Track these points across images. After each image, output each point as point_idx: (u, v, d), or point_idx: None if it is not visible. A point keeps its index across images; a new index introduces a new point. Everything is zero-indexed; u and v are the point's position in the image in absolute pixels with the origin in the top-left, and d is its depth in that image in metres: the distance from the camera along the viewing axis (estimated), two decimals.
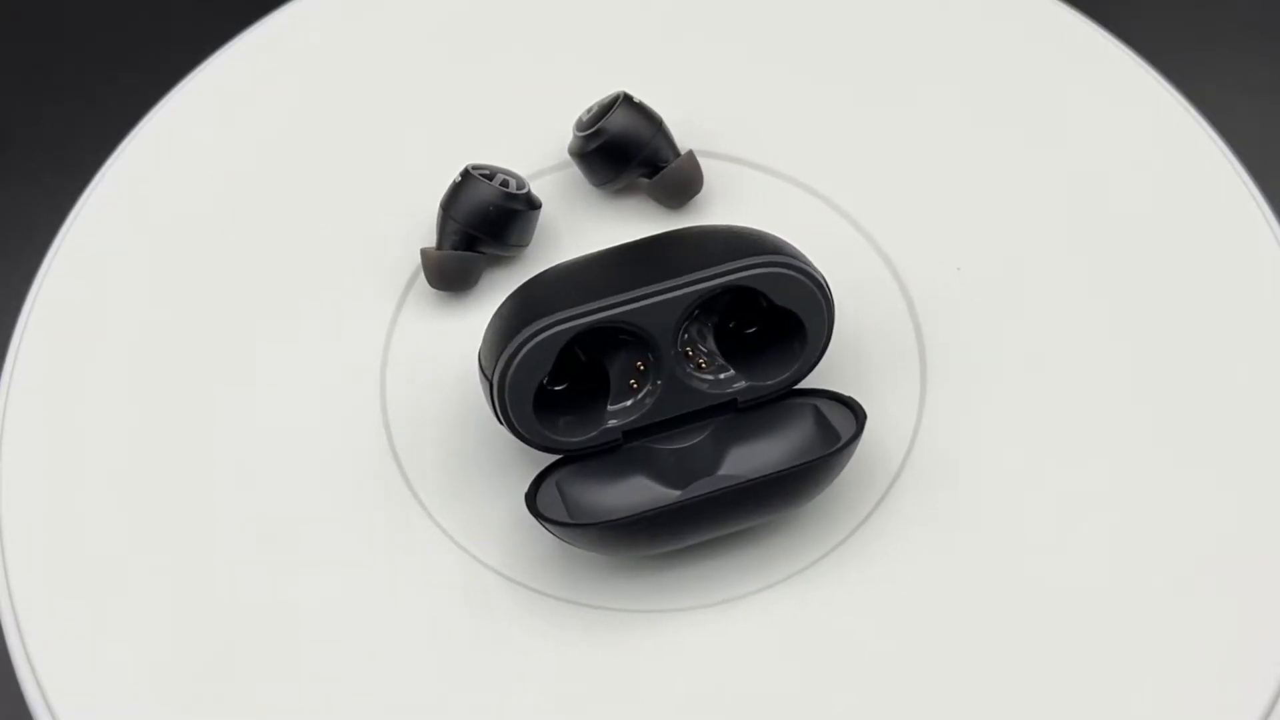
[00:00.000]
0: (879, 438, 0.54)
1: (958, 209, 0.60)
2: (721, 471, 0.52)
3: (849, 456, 0.50)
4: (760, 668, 0.50)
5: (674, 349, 0.51)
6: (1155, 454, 0.54)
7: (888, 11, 0.66)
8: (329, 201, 0.61)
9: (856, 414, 0.51)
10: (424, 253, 0.58)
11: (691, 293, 0.50)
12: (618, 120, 0.59)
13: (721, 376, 0.53)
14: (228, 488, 0.54)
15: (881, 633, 0.51)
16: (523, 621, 0.51)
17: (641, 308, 0.50)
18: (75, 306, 0.59)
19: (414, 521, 0.53)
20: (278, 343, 0.58)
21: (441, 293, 0.58)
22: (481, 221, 0.57)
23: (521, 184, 0.59)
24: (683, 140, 0.61)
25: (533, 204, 0.58)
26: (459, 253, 0.58)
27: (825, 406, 0.52)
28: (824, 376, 0.54)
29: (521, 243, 0.59)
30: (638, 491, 0.52)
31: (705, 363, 0.53)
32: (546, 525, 0.49)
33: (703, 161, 0.61)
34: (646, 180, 0.60)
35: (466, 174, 0.58)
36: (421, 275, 0.59)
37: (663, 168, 0.60)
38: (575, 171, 0.61)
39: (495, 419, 0.51)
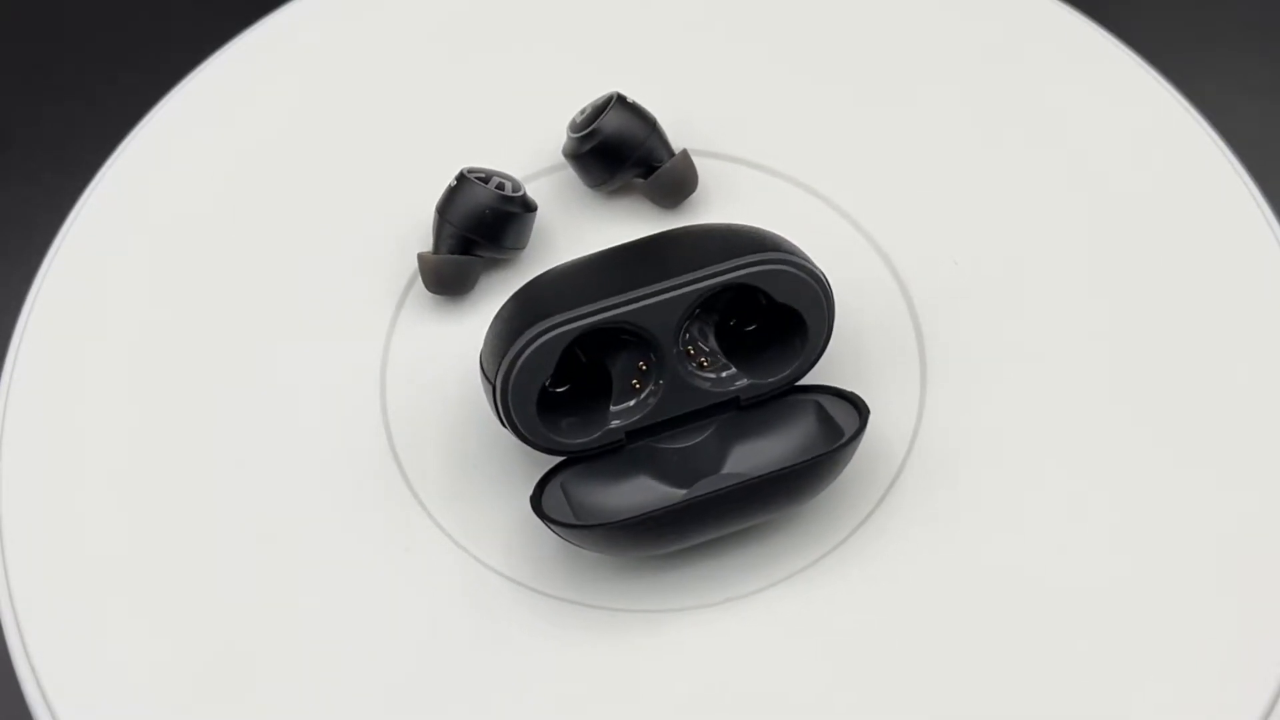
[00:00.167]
0: (880, 435, 0.54)
1: (957, 208, 0.60)
2: (726, 470, 0.52)
3: (853, 451, 0.50)
4: (762, 667, 0.50)
5: (676, 348, 0.51)
6: (1155, 454, 0.54)
7: (887, 11, 0.65)
8: (329, 201, 0.61)
9: (859, 409, 0.51)
10: (421, 257, 0.58)
11: (692, 292, 0.50)
12: (612, 121, 0.59)
13: (723, 375, 0.53)
14: (228, 488, 0.54)
15: (884, 631, 0.51)
16: (524, 622, 0.51)
17: (643, 308, 0.50)
18: (75, 306, 0.59)
19: (414, 522, 0.53)
20: (278, 342, 0.58)
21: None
22: (478, 225, 0.57)
23: (517, 186, 0.58)
24: (677, 140, 0.61)
25: (529, 206, 0.58)
26: (456, 257, 0.57)
27: (828, 402, 0.52)
28: (824, 376, 0.54)
29: (518, 245, 0.58)
30: (642, 491, 0.52)
31: (707, 361, 0.53)
32: (553, 527, 0.49)
33: (697, 161, 0.61)
34: (641, 180, 0.60)
35: (462, 177, 0.57)
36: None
37: (657, 168, 0.59)
38: (570, 173, 0.61)
39: (497, 420, 0.51)
